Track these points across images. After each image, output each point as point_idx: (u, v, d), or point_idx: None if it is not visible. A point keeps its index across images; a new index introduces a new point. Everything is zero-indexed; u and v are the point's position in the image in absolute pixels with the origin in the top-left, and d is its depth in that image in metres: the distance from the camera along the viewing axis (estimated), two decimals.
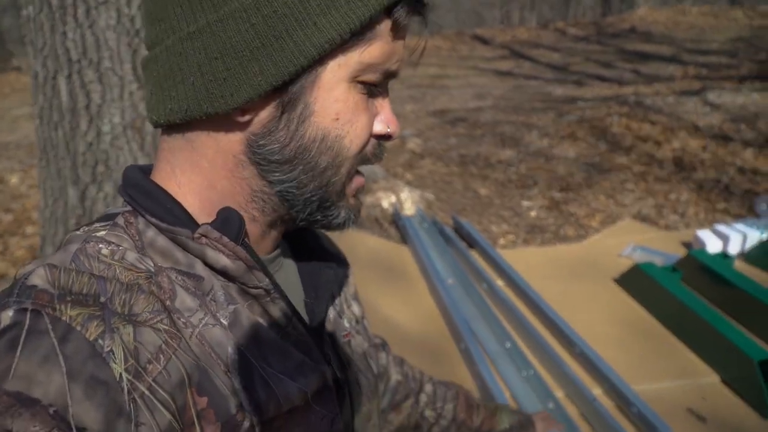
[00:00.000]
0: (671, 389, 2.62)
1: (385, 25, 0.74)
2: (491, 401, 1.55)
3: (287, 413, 0.78)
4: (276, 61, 0.70)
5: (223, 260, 0.75)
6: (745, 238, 3.73)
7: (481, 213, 5.23)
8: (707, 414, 2.46)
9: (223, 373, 0.72)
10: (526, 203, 5.40)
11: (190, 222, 0.77)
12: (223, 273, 0.76)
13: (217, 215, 0.77)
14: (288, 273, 0.95)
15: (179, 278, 0.75)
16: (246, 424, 0.72)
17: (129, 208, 0.79)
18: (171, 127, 0.80)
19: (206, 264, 0.76)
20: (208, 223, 0.75)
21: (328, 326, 0.96)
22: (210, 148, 0.77)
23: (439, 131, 7.90)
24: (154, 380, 0.65)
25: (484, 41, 19.19)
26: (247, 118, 0.74)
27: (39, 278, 0.66)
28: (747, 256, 3.70)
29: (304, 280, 0.97)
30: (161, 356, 0.67)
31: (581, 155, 6.53)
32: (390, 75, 0.80)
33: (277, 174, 0.77)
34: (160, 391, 0.65)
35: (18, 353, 0.59)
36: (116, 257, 0.72)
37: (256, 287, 0.77)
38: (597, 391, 2.59)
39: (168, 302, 0.72)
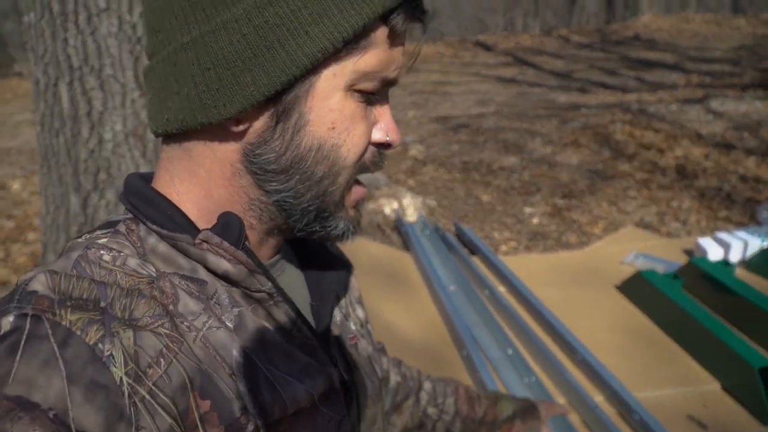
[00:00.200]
0: (672, 396, 2.62)
1: (382, 33, 0.74)
2: (491, 391, 1.54)
3: (293, 416, 0.78)
4: (268, 72, 0.70)
5: (224, 265, 0.75)
6: (746, 245, 3.73)
7: (484, 220, 5.23)
8: (708, 421, 2.46)
9: (227, 376, 0.73)
10: (528, 210, 5.40)
11: (191, 228, 0.77)
12: (225, 277, 0.77)
13: (218, 220, 0.77)
14: (291, 276, 0.95)
15: (182, 282, 0.75)
16: (250, 427, 0.72)
17: (130, 215, 0.80)
18: (169, 137, 0.80)
19: (208, 269, 0.76)
20: (208, 229, 0.75)
21: (335, 329, 0.96)
22: (207, 158, 0.78)
23: (441, 138, 7.90)
24: (154, 384, 0.65)
25: (487, 48, 19.20)
26: (242, 127, 0.74)
27: (39, 284, 0.66)
28: (748, 263, 3.70)
29: (308, 283, 0.97)
30: (162, 360, 0.67)
31: (584, 162, 6.53)
32: (388, 83, 0.80)
33: (273, 183, 0.77)
34: (161, 395, 0.66)
35: (18, 358, 0.60)
36: (117, 263, 0.73)
37: (259, 291, 0.77)
38: (599, 398, 2.59)
39: (171, 306, 0.72)
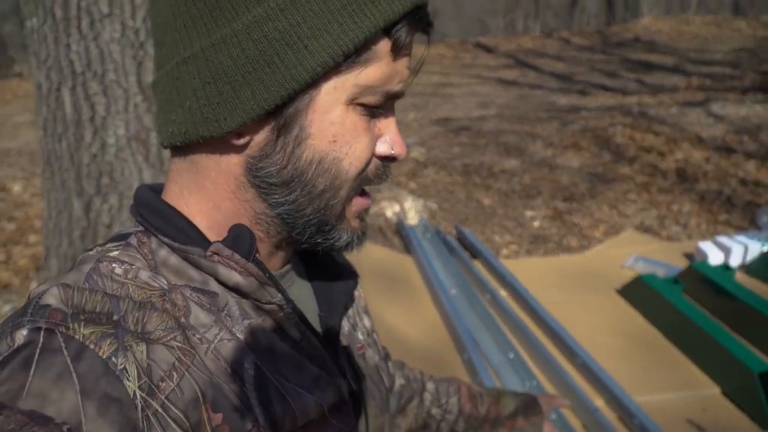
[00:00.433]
0: (672, 401, 2.63)
1: (384, 46, 0.73)
2: (492, 388, 1.54)
3: (303, 427, 0.78)
4: (267, 86, 0.70)
5: (235, 277, 0.75)
6: (746, 250, 3.73)
7: (485, 223, 5.24)
8: (708, 425, 2.46)
9: (238, 389, 0.73)
10: (529, 213, 5.41)
11: (202, 240, 0.77)
12: (235, 290, 0.77)
13: (229, 232, 0.77)
14: (300, 287, 0.95)
15: (193, 295, 0.75)
16: None
17: (141, 227, 0.80)
18: (176, 149, 0.81)
19: (219, 281, 0.77)
20: (219, 241, 0.75)
21: (343, 339, 0.96)
22: (212, 170, 0.78)
23: (442, 140, 7.91)
24: (167, 398, 0.66)
25: (488, 50, 19.20)
26: (243, 141, 0.74)
27: (53, 297, 0.67)
28: (748, 268, 3.71)
29: (317, 293, 0.97)
30: (174, 373, 0.68)
31: (585, 165, 6.54)
32: (392, 96, 0.79)
33: (276, 196, 0.77)
34: (173, 408, 0.66)
35: (32, 372, 0.60)
36: (129, 276, 0.73)
37: (269, 303, 0.77)
38: (599, 402, 2.60)
39: (182, 319, 0.73)
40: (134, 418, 0.62)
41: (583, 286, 3.71)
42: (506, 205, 5.62)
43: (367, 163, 0.79)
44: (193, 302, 0.75)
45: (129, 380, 0.63)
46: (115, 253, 0.76)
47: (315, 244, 0.83)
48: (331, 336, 0.92)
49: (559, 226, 5.10)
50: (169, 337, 0.70)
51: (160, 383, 0.66)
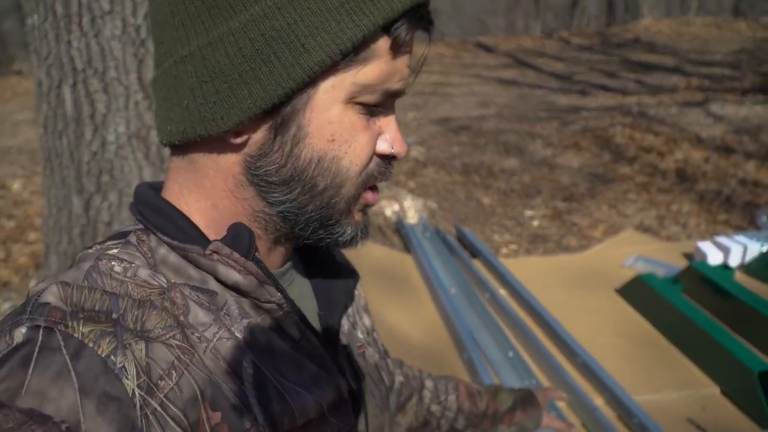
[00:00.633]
0: (672, 400, 2.63)
1: (383, 44, 0.72)
2: (489, 384, 1.55)
3: (302, 426, 0.78)
4: (264, 85, 0.70)
5: (234, 276, 0.75)
6: (745, 250, 3.74)
7: (484, 222, 5.24)
8: (707, 425, 2.46)
9: (237, 387, 0.73)
10: (528, 213, 5.41)
11: (201, 239, 0.77)
12: (235, 288, 0.76)
13: (228, 231, 0.77)
14: (300, 286, 0.95)
15: (192, 294, 0.75)
16: None
17: (141, 225, 0.80)
18: (175, 148, 0.80)
19: (218, 280, 0.76)
20: (218, 240, 0.75)
21: (343, 338, 0.96)
22: (210, 169, 0.78)
23: (442, 139, 7.91)
24: (166, 396, 0.65)
25: (488, 49, 19.20)
26: (241, 140, 0.74)
27: (52, 296, 0.66)
28: (747, 268, 3.71)
29: (316, 292, 0.97)
30: (173, 372, 0.67)
31: (585, 165, 6.54)
32: (392, 94, 0.78)
33: (276, 195, 0.77)
34: (172, 407, 0.66)
35: (30, 370, 0.60)
36: (129, 274, 0.73)
37: (269, 301, 0.77)
38: (598, 401, 2.60)
39: (181, 317, 0.73)
40: (133, 417, 0.62)
41: (582, 285, 3.71)
42: (506, 205, 5.62)
43: (368, 162, 0.79)
44: (192, 301, 0.75)
45: (128, 379, 0.63)
46: (115, 251, 0.76)
47: (319, 239, 0.83)
48: (330, 335, 0.92)
49: (559, 226, 5.10)
50: (168, 336, 0.70)
51: (159, 382, 0.66)
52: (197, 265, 0.76)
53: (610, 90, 11.55)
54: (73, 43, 2.58)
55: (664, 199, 5.52)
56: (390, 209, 4.92)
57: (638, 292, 3.40)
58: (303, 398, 0.78)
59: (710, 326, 2.88)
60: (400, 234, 4.65)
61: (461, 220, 5.24)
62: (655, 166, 6.34)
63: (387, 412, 1.04)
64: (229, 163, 0.77)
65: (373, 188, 0.84)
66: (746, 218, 4.95)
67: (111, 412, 0.60)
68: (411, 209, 4.97)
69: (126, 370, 0.64)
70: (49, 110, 2.69)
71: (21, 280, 4.15)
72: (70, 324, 0.64)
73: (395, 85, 0.77)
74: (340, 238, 0.83)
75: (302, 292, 0.95)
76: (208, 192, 0.79)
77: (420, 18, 0.74)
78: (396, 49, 0.74)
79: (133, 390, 0.63)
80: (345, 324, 0.99)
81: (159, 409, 0.64)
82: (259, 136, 0.74)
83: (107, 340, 0.64)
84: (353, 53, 0.71)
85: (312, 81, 0.71)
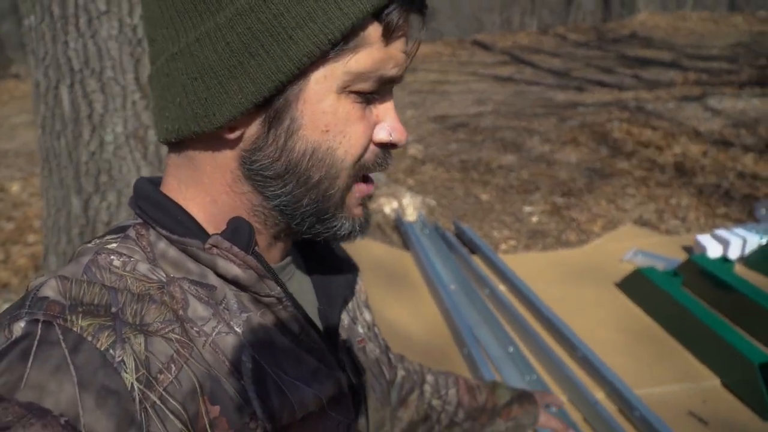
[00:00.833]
0: (673, 393, 2.63)
1: (375, 31, 0.71)
2: (488, 380, 1.56)
3: (301, 420, 0.78)
4: (254, 79, 0.69)
5: (234, 270, 0.75)
6: (745, 242, 3.74)
7: (483, 218, 5.24)
8: (708, 417, 2.46)
9: (236, 381, 0.72)
10: (527, 208, 5.41)
11: (201, 233, 0.77)
12: (234, 282, 0.76)
13: (227, 225, 0.77)
14: (300, 280, 0.94)
15: (192, 288, 0.75)
16: (259, 431, 0.72)
17: (140, 220, 0.80)
18: (172, 145, 0.80)
19: (217, 274, 0.76)
20: (218, 234, 0.75)
21: (343, 332, 0.95)
22: (208, 165, 0.77)
23: (440, 137, 7.91)
24: (165, 390, 0.65)
25: (485, 47, 19.19)
26: (235, 135, 0.74)
27: (51, 290, 0.66)
28: (747, 260, 3.71)
29: (316, 287, 0.97)
30: (172, 366, 0.67)
31: (582, 160, 6.54)
32: (388, 81, 0.77)
33: (271, 189, 0.77)
34: (171, 400, 0.65)
35: (29, 363, 0.60)
36: (128, 268, 0.73)
37: (268, 296, 0.77)
38: (599, 395, 2.60)
39: (180, 312, 0.72)
40: (132, 410, 0.62)
41: (582, 280, 3.71)
42: (504, 201, 5.62)
43: (364, 151, 0.78)
44: (191, 295, 0.74)
45: (127, 372, 0.63)
46: (114, 245, 0.75)
47: (316, 234, 0.82)
48: (330, 329, 0.92)
49: (558, 221, 5.11)
50: (167, 330, 0.70)
51: (159, 375, 0.66)
52: (196, 259, 0.76)
53: (607, 85, 11.54)
54: (70, 43, 2.58)
55: (662, 193, 5.52)
56: (389, 207, 4.92)
57: (638, 286, 3.40)
58: (302, 392, 0.78)
59: (710, 319, 2.88)
60: (399, 231, 4.65)
61: (460, 216, 5.24)
62: (653, 160, 6.35)
63: (388, 407, 1.04)
64: (226, 158, 0.76)
65: (366, 179, 0.83)
66: (745, 211, 4.95)
67: (110, 406, 0.60)
68: (410, 206, 4.97)
69: (125, 364, 0.63)
70: (47, 111, 2.69)
71: (20, 281, 4.15)
72: (69, 318, 0.64)
73: (390, 71, 0.76)
74: (339, 232, 0.82)
75: (302, 286, 0.94)
76: (207, 188, 0.79)
77: (412, 1, 0.73)
78: (388, 35, 0.72)
79: (132, 383, 0.63)
80: (345, 318, 0.98)
81: (158, 402, 0.64)
82: (253, 130, 0.74)
83: (106, 334, 0.64)
84: (343, 42, 0.70)
85: (302, 72, 0.71)
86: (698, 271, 3.39)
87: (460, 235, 4.51)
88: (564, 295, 3.48)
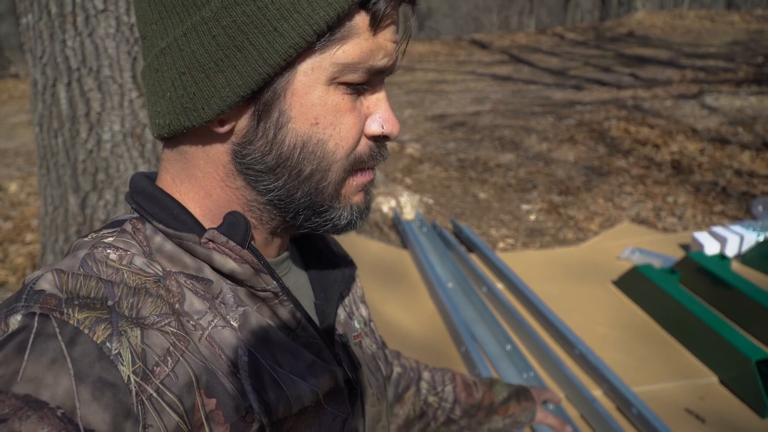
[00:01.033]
0: (670, 390, 2.63)
1: (361, 21, 0.70)
2: (485, 377, 1.56)
3: (298, 414, 0.78)
4: (241, 72, 0.69)
5: (230, 264, 0.75)
6: (742, 239, 3.74)
7: (481, 217, 5.24)
8: (706, 414, 2.47)
9: (232, 375, 0.72)
10: (525, 207, 5.41)
11: (197, 227, 0.77)
12: (230, 277, 0.76)
13: (224, 219, 0.77)
14: (297, 275, 0.95)
15: (188, 282, 0.75)
16: (255, 425, 0.72)
17: (136, 214, 0.80)
18: (166, 139, 0.80)
19: (214, 268, 0.76)
20: (214, 228, 0.75)
21: (339, 327, 0.96)
22: (201, 159, 0.78)
23: (437, 136, 7.91)
24: (161, 382, 0.65)
25: (483, 46, 19.20)
26: (226, 129, 0.74)
27: (47, 283, 0.66)
28: (744, 257, 3.71)
29: (313, 282, 0.97)
30: (169, 359, 0.67)
31: (580, 159, 6.55)
32: (378, 72, 0.76)
33: (264, 183, 0.77)
34: (168, 393, 0.66)
35: (26, 356, 0.60)
36: (124, 262, 0.73)
37: (264, 290, 0.77)
38: (597, 393, 2.60)
39: (177, 305, 0.72)
40: (129, 403, 0.62)
41: (579, 278, 3.71)
42: (502, 199, 5.62)
43: (355, 144, 0.78)
44: (187, 289, 0.74)
45: (123, 365, 0.63)
46: (110, 239, 0.76)
47: (315, 227, 0.82)
48: (326, 324, 0.92)
49: (555, 219, 5.11)
50: (163, 323, 0.70)
51: (155, 368, 0.66)
52: (193, 254, 0.76)
53: (604, 84, 11.56)
54: (68, 42, 2.58)
55: (660, 190, 5.52)
56: (387, 205, 4.92)
57: (635, 283, 3.40)
58: (298, 386, 0.78)
59: (707, 316, 2.88)
60: (397, 230, 4.65)
61: (458, 215, 5.25)
62: (650, 158, 6.35)
63: (384, 401, 1.04)
64: (218, 152, 0.76)
65: (365, 170, 0.82)
66: (742, 208, 4.96)
67: (106, 398, 0.60)
68: (407, 205, 4.97)
69: (121, 357, 0.63)
70: (45, 109, 2.69)
71: (18, 280, 4.15)
72: (65, 311, 0.64)
73: (380, 62, 0.75)
74: (337, 223, 0.82)
75: (298, 281, 0.95)
76: (201, 182, 0.79)
77: None
78: (375, 25, 0.72)
79: (129, 376, 0.63)
80: (341, 313, 0.99)
81: (155, 395, 0.64)
82: (242, 124, 0.74)
83: (102, 327, 0.64)
84: (329, 33, 0.70)
85: (289, 64, 0.70)
86: (695, 269, 3.39)
87: (458, 233, 4.51)
88: (561, 292, 3.48)
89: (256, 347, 0.76)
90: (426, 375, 1.41)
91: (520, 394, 1.53)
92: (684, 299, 3.03)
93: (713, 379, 2.68)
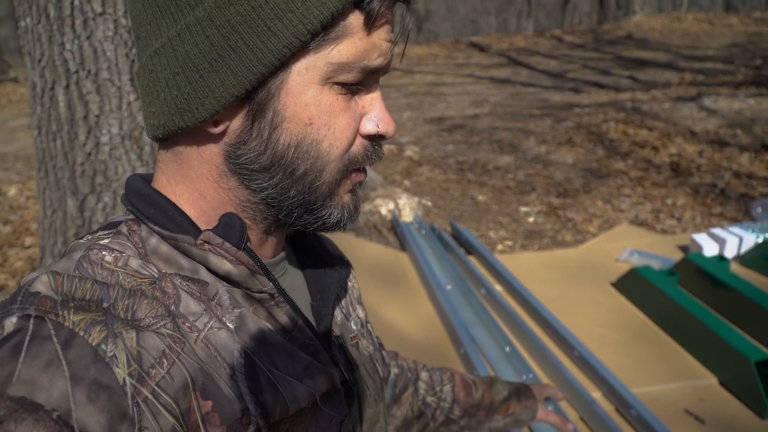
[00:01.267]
0: (669, 391, 2.63)
1: (356, 20, 0.70)
2: (485, 376, 1.55)
3: (294, 416, 0.78)
4: (235, 72, 0.69)
5: (226, 266, 0.75)
6: (741, 241, 3.74)
7: (479, 219, 5.24)
8: (705, 415, 2.47)
9: (228, 377, 0.72)
10: (523, 209, 5.41)
11: (192, 228, 0.76)
12: (226, 278, 0.76)
13: (219, 221, 0.77)
14: (293, 277, 0.94)
15: (184, 283, 0.75)
16: (252, 427, 0.72)
17: (132, 216, 0.80)
18: (161, 140, 0.80)
19: (209, 270, 0.76)
20: (209, 229, 0.75)
21: (336, 328, 0.95)
22: (195, 160, 0.77)
23: (436, 138, 7.92)
24: (157, 384, 0.65)
25: (481, 49, 19.22)
26: (220, 129, 0.74)
27: (42, 285, 0.66)
28: (743, 259, 3.71)
29: (309, 283, 0.96)
30: (164, 360, 0.67)
31: (579, 161, 6.55)
32: (372, 71, 0.76)
33: (258, 182, 0.76)
34: (164, 395, 0.65)
35: (21, 359, 0.59)
36: (119, 264, 0.72)
37: (260, 291, 0.77)
38: (596, 394, 2.60)
39: (172, 307, 0.72)
40: (124, 405, 0.61)
41: (578, 279, 3.71)
42: (501, 202, 5.62)
43: (350, 144, 0.78)
44: (183, 291, 0.74)
45: (118, 367, 0.63)
46: (106, 241, 0.75)
47: (306, 224, 0.82)
48: (323, 325, 0.92)
49: (554, 222, 5.11)
50: (159, 325, 0.69)
51: (151, 370, 0.65)
52: (188, 255, 0.76)
53: (603, 87, 11.57)
54: (66, 45, 2.58)
55: (658, 193, 5.52)
56: (385, 208, 4.92)
57: (634, 285, 3.40)
58: (294, 387, 0.78)
59: (707, 317, 2.88)
60: (395, 232, 4.65)
61: (456, 217, 5.25)
62: (649, 160, 6.35)
63: (381, 402, 1.04)
64: (212, 153, 0.76)
65: (359, 169, 0.82)
66: (741, 210, 4.96)
67: (102, 401, 0.60)
68: (406, 207, 4.97)
69: (117, 359, 0.63)
70: (43, 112, 2.69)
71: (17, 284, 4.15)
72: (60, 313, 0.64)
73: (374, 61, 0.75)
74: (327, 221, 0.81)
75: (294, 282, 0.94)
76: (194, 182, 0.78)
77: None
78: (370, 24, 0.71)
79: (124, 378, 0.62)
80: (338, 315, 0.98)
81: (150, 397, 0.64)
82: (237, 124, 0.74)
83: (98, 329, 0.64)
84: (323, 33, 0.69)
85: (283, 64, 0.70)
86: (694, 270, 3.39)
87: (457, 235, 4.51)
88: (560, 294, 3.48)
89: (252, 349, 0.76)
90: (424, 375, 1.40)
91: (521, 392, 1.52)
92: (683, 301, 3.03)
93: (713, 380, 2.68)
